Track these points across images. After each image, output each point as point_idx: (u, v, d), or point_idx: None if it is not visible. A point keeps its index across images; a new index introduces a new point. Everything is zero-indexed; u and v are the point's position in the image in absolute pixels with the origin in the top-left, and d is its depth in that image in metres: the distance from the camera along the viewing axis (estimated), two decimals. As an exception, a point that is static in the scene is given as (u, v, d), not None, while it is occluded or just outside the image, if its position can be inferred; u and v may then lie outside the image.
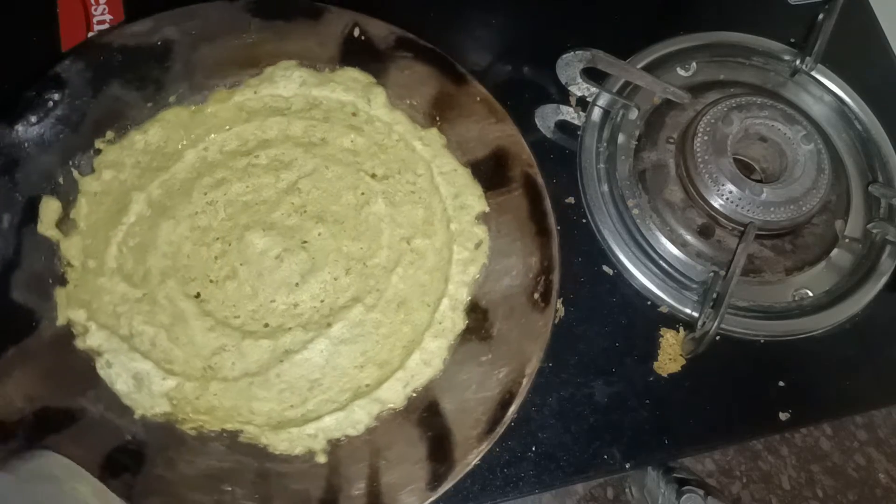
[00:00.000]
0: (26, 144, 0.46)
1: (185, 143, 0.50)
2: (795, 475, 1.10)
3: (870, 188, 0.56)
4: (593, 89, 0.56)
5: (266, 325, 0.46)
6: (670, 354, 0.50)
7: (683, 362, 0.50)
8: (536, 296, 0.46)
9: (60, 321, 0.44)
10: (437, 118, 0.52)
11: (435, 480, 0.41)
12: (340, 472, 0.42)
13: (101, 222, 0.47)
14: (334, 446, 0.43)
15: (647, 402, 0.48)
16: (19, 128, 0.46)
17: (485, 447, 0.42)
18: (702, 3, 0.64)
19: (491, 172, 0.50)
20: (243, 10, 0.51)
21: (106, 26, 0.54)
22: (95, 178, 0.48)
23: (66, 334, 0.44)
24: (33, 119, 0.46)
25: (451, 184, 0.50)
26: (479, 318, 0.47)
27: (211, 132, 0.50)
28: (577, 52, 0.56)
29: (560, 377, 0.48)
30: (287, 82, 0.51)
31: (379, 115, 0.52)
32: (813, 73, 0.60)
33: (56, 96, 0.47)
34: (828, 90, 0.60)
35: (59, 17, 0.54)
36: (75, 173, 0.47)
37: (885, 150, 0.58)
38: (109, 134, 0.49)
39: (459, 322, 0.47)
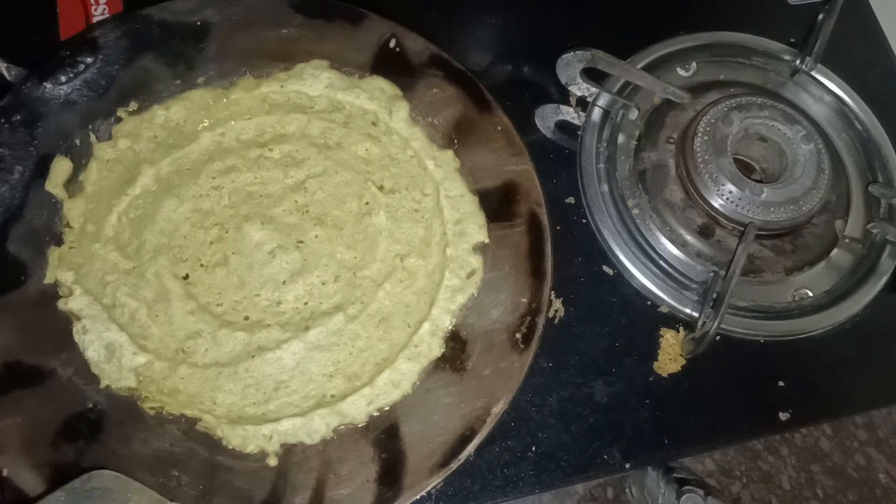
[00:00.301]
0: (51, 102, 0.47)
1: (204, 125, 0.50)
2: (795, 475, 1.10)
3: (870, 188, 0.56)
4: (593, 89, 0.56)
5: (246, 318, 0.46)
6: (670, 354, 0.50)
7: (683, 362, 0.50)
8: (518, 336, 0.46)
9: (48, 279, 0.45)
10: (455, 141, 0.52)
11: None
12: (288, 479, 0.42)
13: (107, 189, 0.47)
14: (287, 451, 0.43)
15: (647, 402, 0.48)
16: (48, 85, 0.47)
17: (434, 481, 0.41)
18: (702, 3, 0.64)
19: (498, 204, 0.50)
20: (286, 4, 0.52)
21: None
22: (111, 145, 0.48)
23: (51, 293, 0.45)
24: (63, 78, 0.48)
25: (456, 209, 0.50)
26: (456, 349, 0.46)
27: (231, 119, 0.51)
28: (577, 52, 0.56)
29: (560, 377, 0.48)
30: (315, 81, 0.52)
31: (398, 129, 0.52)
32: (813, 73, 0.60)
33: (89, 59, 0.48)
34: (828, 90, 0.60)
35: (59, 17, 0.54)
36: (93, 137, 0.48)
37: (885, 150, 0.58)
38: (133, 104, 0.49)
39: (436, 349, 0.46)
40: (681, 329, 0.51)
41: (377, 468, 0.42)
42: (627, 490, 1.04)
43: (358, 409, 0.44)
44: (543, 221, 0.48)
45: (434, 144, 0.52)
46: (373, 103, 0.52)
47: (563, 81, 0.57)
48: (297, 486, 0.42)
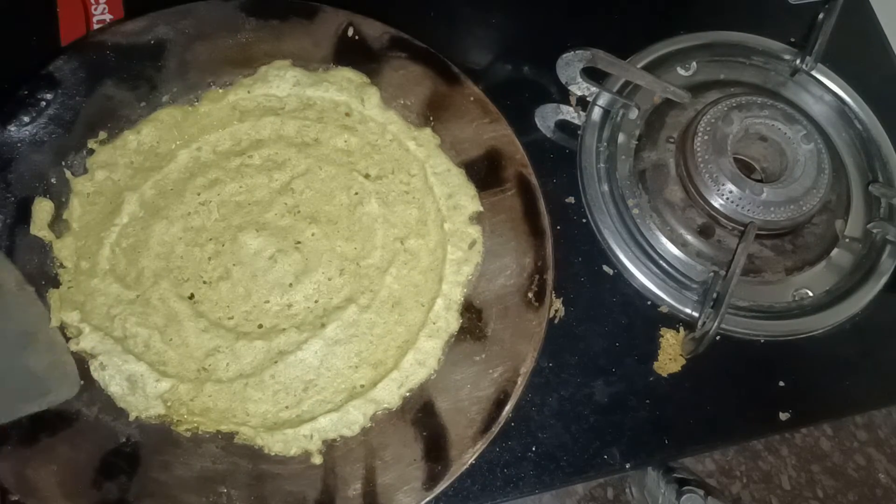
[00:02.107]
0: (19, 144, 0.46)
1: (178, 143, 0.50)
2: (795, 475, 1.10)
3: (870, 188, 0.56)
4: (593, 89, 0.56)
5: (260, 326, 0.46)
6: (670, 354, 0.50)
7: (683, 362, 0.50)
8: (530, 295, 0.46)
9: (53, 323, 0.44)
10: (431, 118, 0.52)
11: (431, 480, 0.41)
12: (336, 473, 0.42)
13: (93, 223, 0.47)
14: (329, 447, 0.43)
15: (648, 402, 0.48)
16: (12, 128, 0.46)
17: (480, 446, 0.42)
18: (702, 3, 0.64)
19: (485, 173, 0.50)
20: (238, 9, 0.51)
21: (105, 26, 0.54)
22: (88, 178, 0.48)
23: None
24: (26, 119, 0.46)
25: (445, 184, 0.50)
26: (473, 318, 0.47)
27: (204, 132, 0.50)
28: (577, 52, 0.56)
29: (560, 377, 0.48)
30: (281, 82, 0.51)
31: (372, 115, 0.52)
32: (813, 73, 0.60)
33: (49, 96, 0.47)
34: (828, 90, 0.60)
35: (59, 17, 0.54)
36: (68, 174, 0.47)
37: (886, 149, 0.58)
38: (102, 134, 0.49)
39: (454, 322, 0.47)
40: (681, 329, 0.51)
41: (421, 446, 0.43)
42: (628, 490, 1.04)
43: (390, 393, 0.44)
44: (532, 181, 0.49)
45: (411, 125, 0.52)
46: (343, 94, 0.52)
47: (564, 81, 0.57)
48: (346, 478, 0.42)
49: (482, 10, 0.60)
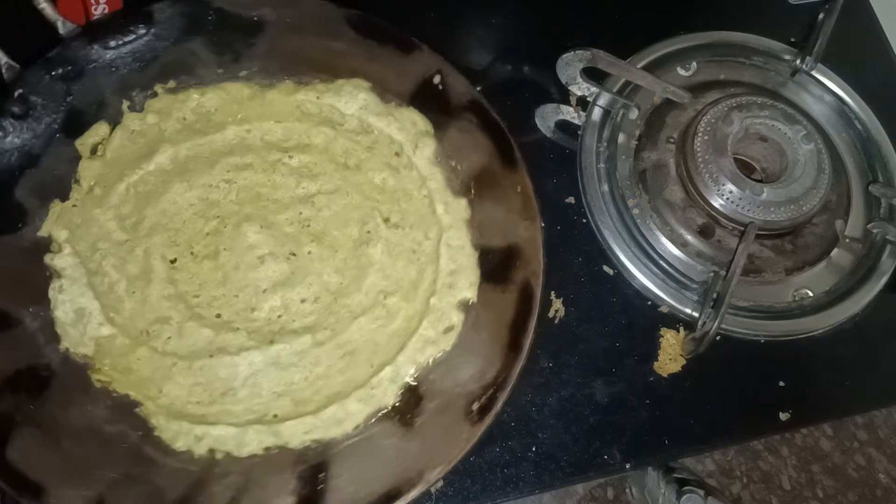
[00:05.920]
0: (95, 63, 0.49)
1: (234, 118, 0.51)
2: (796, 475, 1.10)
3: (870, 188, 0.56)
4: (593, 89, 0.56)
5: (217, 316, 0.46)
6: (670, 354, 0.50)
7: (684, 362, 0.50)
8: (475, 406, 0.44)
9: (42, 232, 0.45)
10: (473, 191, 0.50)
11: None
12: (203, 486, 0.41)
13: (123, 159, 0.48)
14: (211, 462, 0.42)
15: (648, 402, 0.48)
16: (96, 46, 0.49)
17: None
18: (702, 3, 0.64)
19: (496, 265, 0.48)
20: (343, 18, 0.52)
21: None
22: (140, 117, 0.49)
23: (41, 246, 0.45)
24: (112, 44, 0.49)
25: (453, 259, 0.49)
26: (410, 402, 0.45)
27: (261, 118, 0.51)
28: (577, 52, 0.56)
29: (560, 377, 0.48)
30: (351, 100, 0.52)
31: (419, 165, 0.51)
32: (813, 73, 0.60)
33: (142, 30, 0.50)
34: (828, 90, 0.60)
35: (59, 14, 0.54)
36: (125, 105, 0.49)
37: (886, 149, 0.58)
38: (171, 83, 0.50)
39: (391, 396, 0.45)
40: (681, 329, 0.51)
41: (292, 503, 0.41)
42: (628, 490, 1.04)
43: (294, 433, 0.43)
44: (536, 294, 0.46)
45: (450, 189, 0.51)
46: (401, 134, 0.51)
47: (564, 81, 0.57)
48: (210, 497, 0.41)
49: (482, 10, 0.60)
